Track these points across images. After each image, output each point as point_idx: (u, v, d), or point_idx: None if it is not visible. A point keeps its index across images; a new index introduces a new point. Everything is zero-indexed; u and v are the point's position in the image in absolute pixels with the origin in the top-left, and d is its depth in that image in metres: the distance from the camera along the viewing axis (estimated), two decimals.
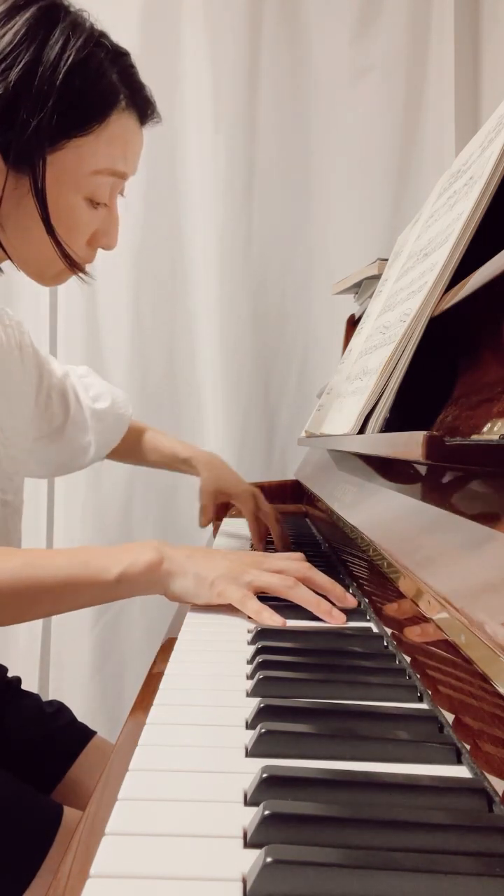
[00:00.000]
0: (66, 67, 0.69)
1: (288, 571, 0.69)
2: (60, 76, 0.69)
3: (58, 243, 0.76)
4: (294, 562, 0.71)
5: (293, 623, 0.66)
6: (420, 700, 0.50)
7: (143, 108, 0.80)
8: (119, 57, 0.76)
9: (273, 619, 0.65)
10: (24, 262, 0.81)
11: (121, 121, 0.76)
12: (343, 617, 0.66)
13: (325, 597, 0.69)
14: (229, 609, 0.71)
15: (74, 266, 0.79)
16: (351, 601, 0.70)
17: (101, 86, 0.73)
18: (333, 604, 0.68)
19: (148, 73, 1.75)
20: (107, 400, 1.14)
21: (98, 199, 0.77)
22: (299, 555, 0.74)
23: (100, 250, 0.83)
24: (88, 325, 1.79)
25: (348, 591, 0.81)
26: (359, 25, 1.73)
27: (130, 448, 1.22)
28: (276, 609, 0.67)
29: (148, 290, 1.79)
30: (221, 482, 1.17)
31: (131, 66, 0.78)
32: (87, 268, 0.83)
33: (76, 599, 0.69)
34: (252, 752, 0.42)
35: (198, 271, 1.78)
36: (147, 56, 1.74)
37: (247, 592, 0.67)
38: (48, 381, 1.05)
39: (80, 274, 0.81)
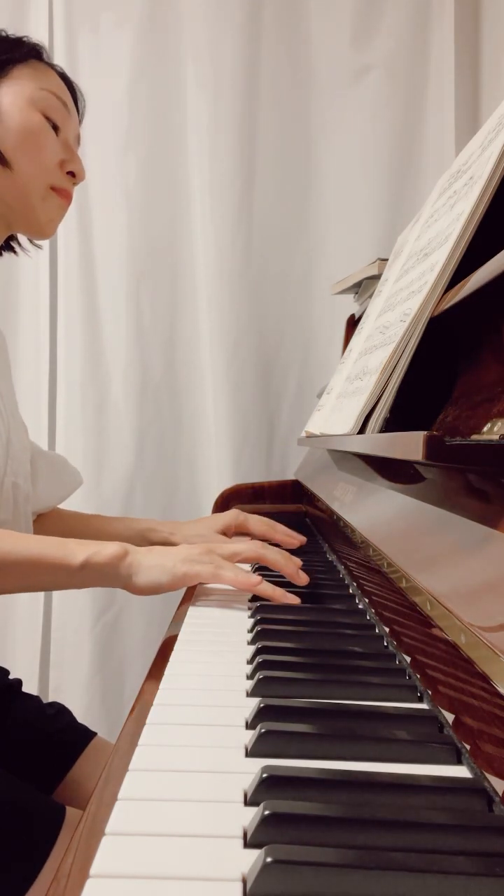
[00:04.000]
0: None
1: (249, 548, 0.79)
2: None
3: None
4: (252, 542, 0.80)
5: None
6: (420, 700, 0.51)
7: (41, 54, 0.95)
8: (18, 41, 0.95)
9: (249, 578, 0.72)
10: (8, 207, 0.91)
11: (39, 65, 0.93)
12: (306, 578, 0.78)
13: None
14: (229, 607, 0.70)
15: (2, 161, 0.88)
16: (303, 579, 0.79)
17: (14, 41, 0.93)
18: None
19: (148, 73, 1.76)
20: (61, 457, 1.14)
21: (51, 115, 0.91)
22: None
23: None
24: (88, 325, 1.79)
25: (348, 590, 0.81)
26: (359, 25, 1.73)
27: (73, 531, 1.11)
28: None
29: (148, 290, 1.79)
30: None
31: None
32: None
33: (40, 579, 0.74)
34: (252, 752, 0.42)
35: (198, 271, 1.78)
36: (147, 55, 1.75)
37: (218, 563, 0.73)
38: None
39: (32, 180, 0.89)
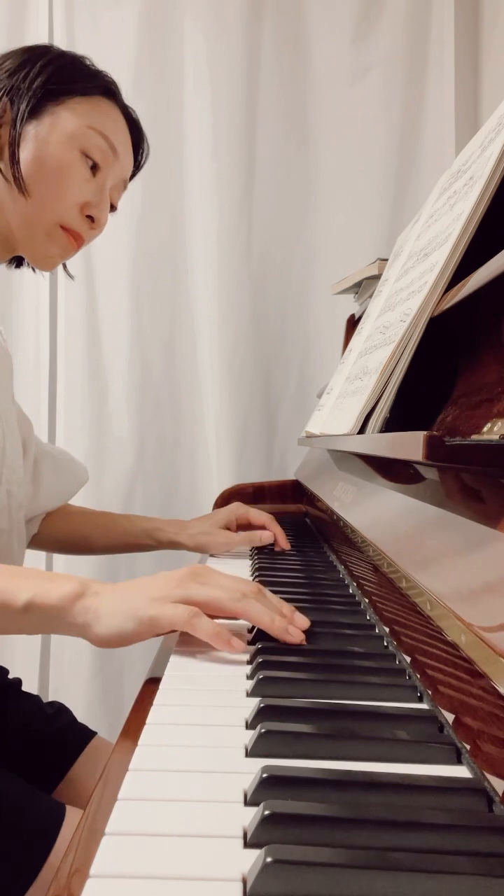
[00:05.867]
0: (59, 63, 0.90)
1: (234, 587, 0.60)
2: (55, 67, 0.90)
3: (13, 162, 0.85)
4: (243, 580, 0.61)
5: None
6: (420, 700, 0.51)
7: (111, 92, 0.94)
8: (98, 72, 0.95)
9: (230, 640, 0.57)
10: (11, 232, 0.89)
11: (103, 103, 0.92)
12: (301, 635, 0.60)
13: None
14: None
15: (16, 180, 0.86)
16: (302, 622, 0.62)
17: (86, 72, 0.93)
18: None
19: (148, 73, 1.76)
20: (66, 453, 1.14)
21: (91, 154, 0.88)
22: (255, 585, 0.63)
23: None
24: (88, 325, 1.79)
25: (348, 590, 0.81)
26: (359, 25, 1.73)
27: (77, 525, 1.10)
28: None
29: (148, 290, 1.79)
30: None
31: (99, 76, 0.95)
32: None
33: None
34: (252, 752, 0.42)
35: (198, 271, 1.78)
36: (147, 55, 1.75)
37: (192, 609, 0.57)
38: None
39: (20, 185, 0.86)
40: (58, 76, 0.87)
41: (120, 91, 0.94)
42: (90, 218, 0.91)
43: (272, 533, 1.05)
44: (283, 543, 1.06)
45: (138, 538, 1.07)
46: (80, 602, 0.58)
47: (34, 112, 0.86)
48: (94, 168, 0.89)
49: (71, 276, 1.08)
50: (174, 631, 0.60)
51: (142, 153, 0.98)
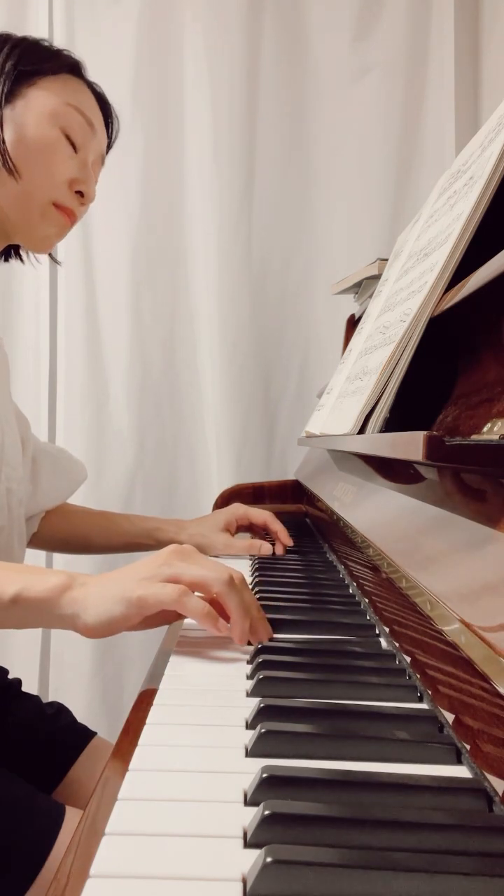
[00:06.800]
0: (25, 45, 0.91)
1: (221, 569, 0.60)
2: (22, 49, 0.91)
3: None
4: (228, 568, 0.61)
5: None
6: (420, 700, 0.51)
7: (78, 69, 0.95)
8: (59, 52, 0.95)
9: (220, 626, 0.58)
10: (6, 217, 0.90)
11: (72, 80, 0.93)
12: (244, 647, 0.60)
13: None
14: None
15: (5, 163, 0.87)
16: (264, 634, 0.62)
17: (50, 52, 0.93)
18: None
19: (148, 72, 1.76)
20: (64, 452, 1.14)
21: (71, 133, 0.90)
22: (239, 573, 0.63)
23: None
24: (88, 325, 1.79)
25: (348, 590, 0.81)
26: (359, 25, 1.73)
27: (79, 524, 1.11)
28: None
29: (148, 290, 1.79)
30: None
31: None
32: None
33: None
34: (252, 752, 0.42)
35: (198, 271, 1.78)
36: (147, 55, 1.75)
37: (180, 587, 0.57)
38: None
39: (12, 167, 0.87)
40: (26, 58, 0.89)
41: (84, 68, 0.95)
42: (80, 194, 0.93)
43: (271, 547, 1.03)
44: (286, 540, 1.05)
45: (138, 538, 1.07)
46: (67, 593, 0.58)
47: (10, 95, 0.87)
48: (73, 145, 0.91)
49: (58, 262, 1.09)
50: (166, 623, 0.62)
51: (111, 127, 1.00)
